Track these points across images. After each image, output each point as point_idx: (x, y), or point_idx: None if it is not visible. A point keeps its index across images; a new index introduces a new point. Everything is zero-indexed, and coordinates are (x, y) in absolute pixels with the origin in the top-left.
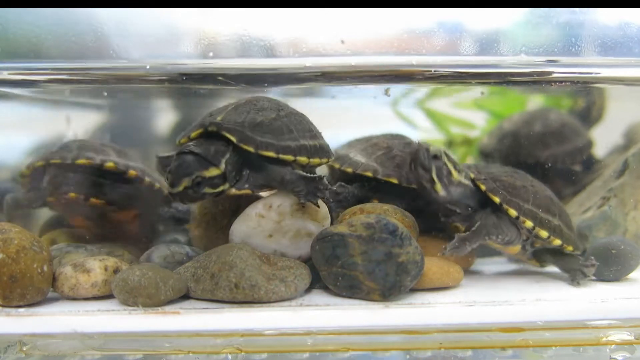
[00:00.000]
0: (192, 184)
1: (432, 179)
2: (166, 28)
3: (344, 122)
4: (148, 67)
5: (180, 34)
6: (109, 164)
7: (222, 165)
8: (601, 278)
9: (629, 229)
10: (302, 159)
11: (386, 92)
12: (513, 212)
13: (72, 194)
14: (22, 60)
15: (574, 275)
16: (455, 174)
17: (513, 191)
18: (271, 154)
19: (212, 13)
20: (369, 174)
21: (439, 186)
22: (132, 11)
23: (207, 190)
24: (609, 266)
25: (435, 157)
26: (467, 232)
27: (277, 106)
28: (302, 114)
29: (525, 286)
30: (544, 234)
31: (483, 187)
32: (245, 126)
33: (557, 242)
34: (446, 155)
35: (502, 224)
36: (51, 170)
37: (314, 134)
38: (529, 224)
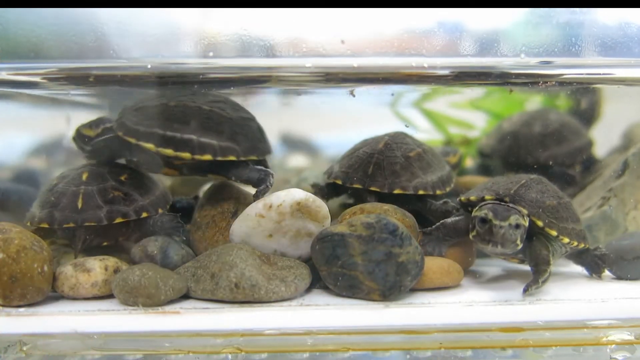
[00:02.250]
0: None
1: (517, 244)
2: (166, 28)
3: (343, 122)
4: (149, 66)
5: (180, 34)
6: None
7: (98, 129)
8: (621, 277)
9: (629, 228)
10: (167, 151)
11: (351, 92)
12: (566, 240)
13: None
14: (22, 61)
15: (594, 269)
16: (525, 221)
17: (557, 215)
18: (120, 132)
19: (212, 13)
20: (338, 181)
21: (520, 246)
22: (132, 11)
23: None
24: (632, 265)
25: (518, 226)
26: (538, 269)
27: (207, 104)
28: (230, 118)
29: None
30: (574, 243)
31: (540, 224)
32: (129, 109)
33: (582, 245)
34: (515, 213)
35: (554, 249)
36: None
37: (223, 132)
38: (574, 243)
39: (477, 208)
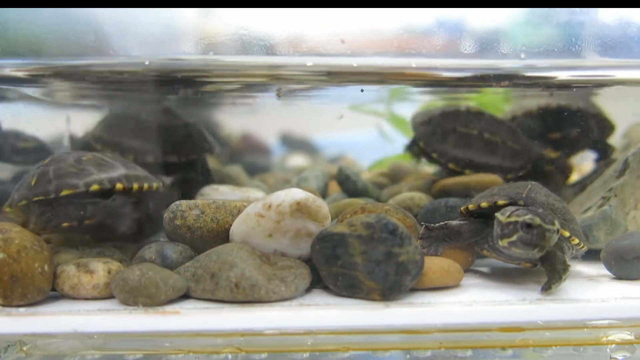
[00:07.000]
0: None
1: (546, 249)
2: (166, 27)
3: (342, 122)
4: (147, 62)
5: (180, 34)
6: (95, 187)
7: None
8: (621, 277)
9: (630, 228)
10: None
11: (278, 92)
12: (576, 241)
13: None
14: (21, 60)
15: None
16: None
17: (565, 217)
18: None
19: (212, 13)
20: None
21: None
22: (132, 11)
23: None
24: (632, 265)
25: (557, 230)
26: (556, 269)
27: None
28: None
29: (525, 286)
30: (581, 245)
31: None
32: None
33: (585, 247)
34: (552, 216)
35: (564, 248)
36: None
37: None
38: (581, 245)
39: (500, 213)
